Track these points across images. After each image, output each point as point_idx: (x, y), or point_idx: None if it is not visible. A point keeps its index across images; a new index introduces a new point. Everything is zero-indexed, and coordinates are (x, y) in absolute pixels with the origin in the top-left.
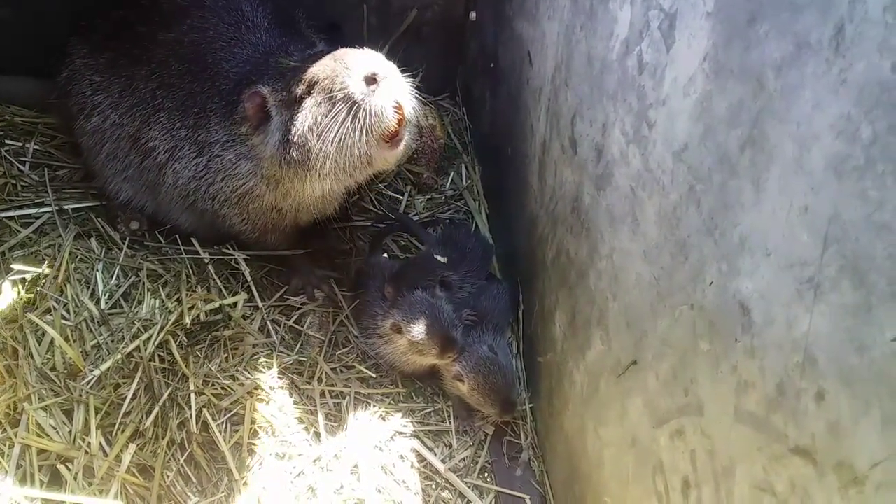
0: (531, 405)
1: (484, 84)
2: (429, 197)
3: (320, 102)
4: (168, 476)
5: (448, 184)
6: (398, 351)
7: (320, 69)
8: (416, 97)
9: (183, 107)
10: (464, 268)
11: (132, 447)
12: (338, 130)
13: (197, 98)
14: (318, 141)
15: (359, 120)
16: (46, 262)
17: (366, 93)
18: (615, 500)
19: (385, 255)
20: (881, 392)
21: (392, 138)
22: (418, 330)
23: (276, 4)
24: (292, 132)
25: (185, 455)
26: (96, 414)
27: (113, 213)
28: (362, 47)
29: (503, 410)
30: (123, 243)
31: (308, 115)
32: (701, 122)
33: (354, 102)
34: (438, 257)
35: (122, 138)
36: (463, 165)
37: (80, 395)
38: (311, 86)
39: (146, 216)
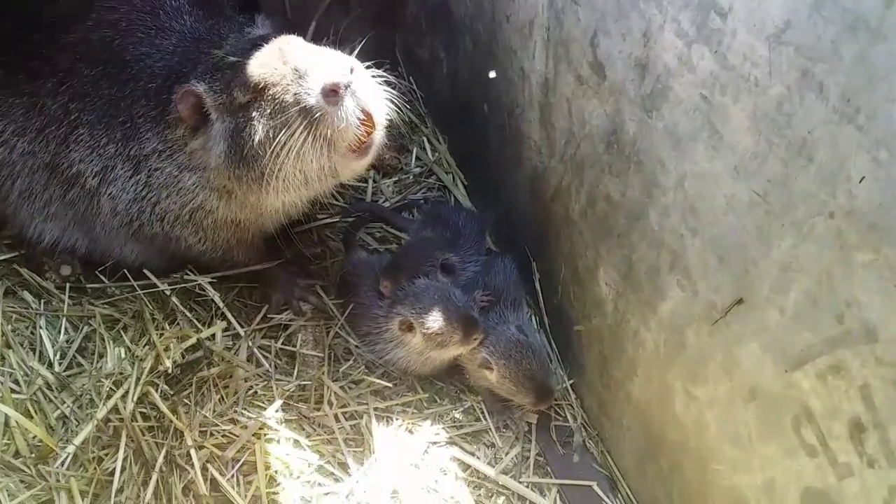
0: (571, 381)
1: (433, 44)
2: (395, 179)
3: (271, 114)
4: None
5: (413, 161)
6: (413, 351)
7: (268, 72)
8: (388, 93)
9: (106, 118)
10: (461, 246)
11: None
12: (294, 147)
13: (120, 104)
14: (271, 157)
15: (319, 134)
16: None
17: (324, 107)
18: (730, 466)
19: (363, 251)
20: None
21: (360, 147)
22: (433, 319)
23: None
24: (239, 145)
25: None
26: (83, 498)
27: (38, 261)
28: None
29: (539, 399)
30: (63, 293)
31: (257, 128)
32: None
33: (313, 117)
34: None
35: (36, 169)
36: (424, 138)
37: (58, 480)
38: (259, 91)
39: (78, 258)
